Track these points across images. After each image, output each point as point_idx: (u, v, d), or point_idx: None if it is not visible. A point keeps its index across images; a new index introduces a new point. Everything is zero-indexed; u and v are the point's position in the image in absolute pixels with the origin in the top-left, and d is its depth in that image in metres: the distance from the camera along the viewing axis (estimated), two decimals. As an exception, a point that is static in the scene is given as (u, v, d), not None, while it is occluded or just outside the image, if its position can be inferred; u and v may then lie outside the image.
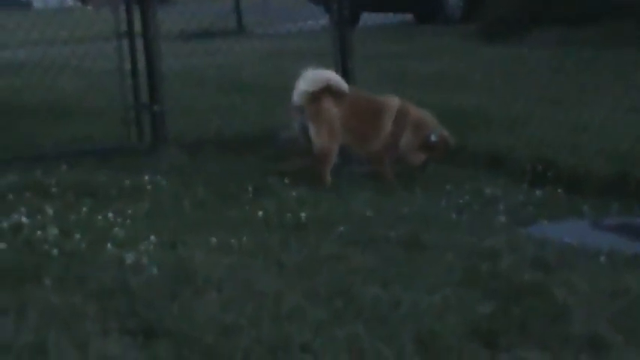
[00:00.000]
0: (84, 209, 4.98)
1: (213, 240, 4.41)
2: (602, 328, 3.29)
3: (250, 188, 5.44)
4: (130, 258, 4.11)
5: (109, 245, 4.32)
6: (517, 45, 10.19)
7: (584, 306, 3.49)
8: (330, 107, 5.70)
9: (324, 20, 12.14)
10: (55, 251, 4.24)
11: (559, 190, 5.24)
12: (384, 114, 5.68)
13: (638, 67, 6.93)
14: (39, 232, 4.50)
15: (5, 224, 4.64)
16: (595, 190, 5.17)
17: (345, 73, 7.19)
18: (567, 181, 5.34)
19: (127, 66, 6.75)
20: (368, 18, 11.53)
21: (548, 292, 3.64)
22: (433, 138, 5.59)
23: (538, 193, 5.24)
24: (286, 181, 5.60)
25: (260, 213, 4.89)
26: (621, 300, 3.56)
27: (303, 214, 4.82)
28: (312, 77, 5.70)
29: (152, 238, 4.42)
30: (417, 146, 5.66)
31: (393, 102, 5.76)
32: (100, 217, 4.81)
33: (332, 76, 5.82)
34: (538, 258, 4.08)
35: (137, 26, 6.70)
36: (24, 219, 4.71)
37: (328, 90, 5.70)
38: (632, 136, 5.65)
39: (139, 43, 6.71)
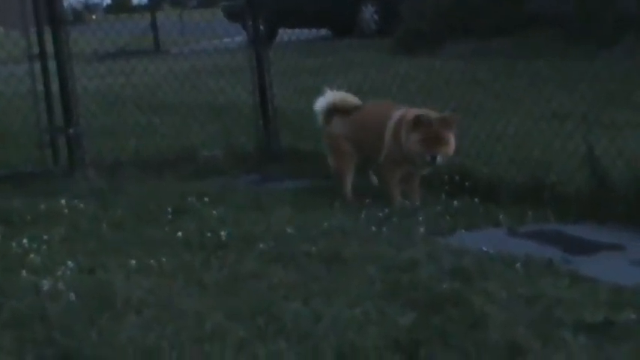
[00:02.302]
0: (-3, 236, 4.88)
1: (133, 262, 4.36)
2: (520, 334, 3.35)
3: (170, 209, 5.40)
4: (46, 284, 4.03)
5: (24, 272, 4.23)
6: (432, 57, 10.33)
7: (502, 313, 3.55)
8: (336, 128, 5.71)
9: (240, 37, 12.15)
10: (-34, 281, 4.13)
11: (476, 200, 5.31)
12: (385, 125, 5.47)
13: (549, 77, 7.09)
14: (-51, 263, 4.38)
15: None
16: (510, 198, 5.26)
17: (262, 89, 7.24)
18: (484, 190, 5.42)
19: (40, 88, 6.64)
20: (285, 33, 11.56)
21: (466, 300, 3.68)
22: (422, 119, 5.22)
23: (456, 203, 5.31)
24: (206, 200, 5.57)
25: (180, 233, 4.86)
26: (537, 306, 3.63)
27: (223, 233, 4.80)
28: (320, 101, 5.80)
29: (69, 263, 4.35)
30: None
31: (395, 112, 5.47)
32: (14, 244, 4.71)
33: (336, 96, 5.79)
34: (457, 267, 4.13)
35: (49, 47, 6.61)
36: None
37: (337, 110, 5.72)
38: (543, 144, 5.78)
39: (52, 65, 6.62)
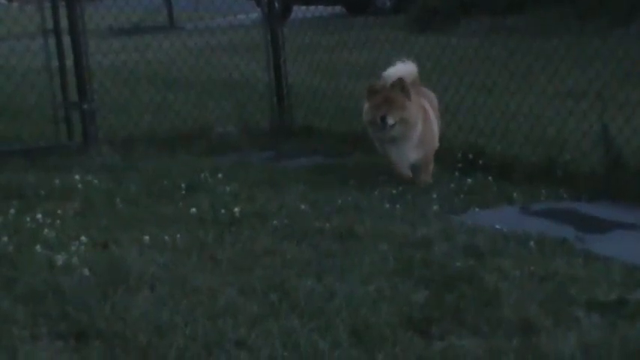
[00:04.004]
0: (11, 211, 4.90)
1: (146, 238, 4.38)
2: (532, 312, 3.35)
3: (183, 185, 5.41)
4: (60, 259, 4.05)
5: (38, 247, 4.24)
6: (447, 34, 10.26)
7: (515, 291, 3.55)
8: None
9: (255, 14, 12.11)
10: (-20, 255, 4.15)
11: (490, 178, 5.30)
12: None
13: (563, 54, 7.04)
14: (-36, 236, 4.40)
15: None
16: (524, 176, 5.25)
17: (276, 66, 7.22)
18: (497, 168, 5.41)
19: (55, 64, 6.64)
20: (299, 10, 11.52)
21: (480, 278, 3.68)
22: None
23: (469, 180, 5.30)
24: (220, 176, 5.58)
25: (193, 209, 4.87)
26: (550, 283, 3.63)
27: (237, 209, 4.80)
28: (388, 71, 5.55)
29: (83, 238, 4.37)
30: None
31: None
32: (28, 219, 4.73)
33: (398, 71, 5.50)
34: (470, 245, 4.13)
35: (64, 23, 6.60)
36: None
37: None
38: (557, 122, 5.75)
39: (67, 40, 6.62)
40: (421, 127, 5.26)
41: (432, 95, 5.68)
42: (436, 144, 5.43)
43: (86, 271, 3.91)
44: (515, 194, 5.02)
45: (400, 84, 5.17)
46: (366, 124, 5.32)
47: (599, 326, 3.24)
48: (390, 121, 5.12)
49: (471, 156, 5.57)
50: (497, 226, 4.42)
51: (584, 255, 3.99)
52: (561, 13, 10.49)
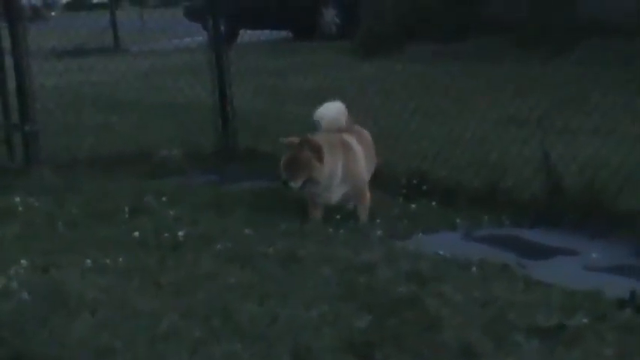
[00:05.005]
0: (-51, 234, 4.81)
1: (88, 261, 4.32)
2: (474, 337, 3.37)
3: (126, 208, 5.36)
4: (-2, 284, 3.98)
5: (-24, 271, 4.17)
6: (392, 60, 10.38)
7: (457, 316, 3.57)
8: None
9: (200, 37, 12.11)
10: None
11: (433, 203, 5.34)
12: None
13: (507, 80, 7.17)
14: None
15: None
16: (467, 202, 5.29)
17: (222, 89, 7.22)
18: (441, 193, 5.45)
19: (-3, 85, 6.57)
20: (246, 34, 11.55)
21: (422, 303, 3.69)
22: None
23: (413, 206, 5.33)
24: (163, 199, 5.54)
25: (136, 232, 4.82)
26: (491, 308, 3.66)
27: (180, 233, 4.77)
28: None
29: (23, 261, 4.30)
30: None
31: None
32: (-34, 242, 4.66)
33: (321, 112, 5.45)
34: (413, 271, 4.14)
35: (6, 43, 6.54)
36: None
37: None
38: (500, 147, 5.82)
39: (9, 61, 6.55)
40: (342, 164, 5.07)
41: (366, 134, 5.52)
42: (365, 178, 5.24)
43: (25, 295, 3.84)
44: (458, 220, 5.07)
45: (308, 143, 4.95)
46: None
47: (539, 351, 3.27)
48: (293, 184, 4.96)
49: (415, 181, 5.61)
50: (440, 252, 4.45)
51: (525, 280, 4.03)
52: (503, 40, 10.68)
